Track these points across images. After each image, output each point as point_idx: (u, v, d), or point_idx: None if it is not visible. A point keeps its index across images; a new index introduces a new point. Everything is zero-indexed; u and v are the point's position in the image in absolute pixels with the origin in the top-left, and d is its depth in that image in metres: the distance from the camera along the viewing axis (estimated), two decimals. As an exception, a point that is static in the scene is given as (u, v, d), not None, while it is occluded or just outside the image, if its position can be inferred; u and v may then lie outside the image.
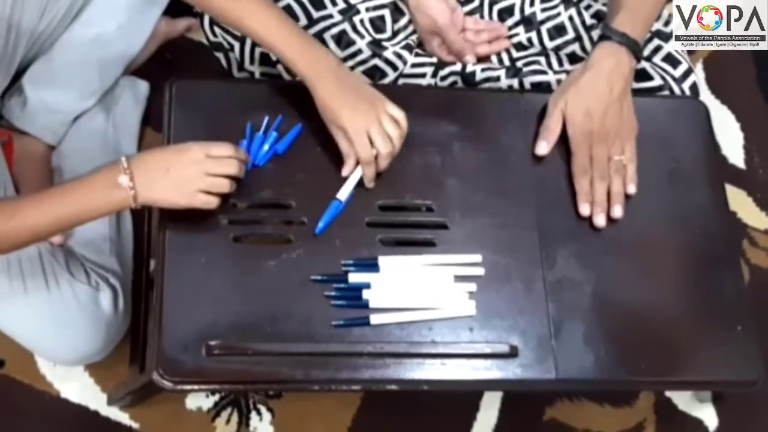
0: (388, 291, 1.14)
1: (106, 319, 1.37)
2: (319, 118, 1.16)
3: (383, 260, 1.15)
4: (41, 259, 1.33)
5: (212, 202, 1.11)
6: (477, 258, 1.18)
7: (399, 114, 1.17)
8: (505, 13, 1.44)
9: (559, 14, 1.42)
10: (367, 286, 1.13)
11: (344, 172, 1.18)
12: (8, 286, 1.30)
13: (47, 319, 1.32)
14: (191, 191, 1.09)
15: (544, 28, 1.42)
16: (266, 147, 1.19)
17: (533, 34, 1.42)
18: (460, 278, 1.16)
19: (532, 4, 1.43)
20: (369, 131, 1.15)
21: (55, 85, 1.47)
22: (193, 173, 1.09)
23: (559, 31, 1.42)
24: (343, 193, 1.17)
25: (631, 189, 1.25)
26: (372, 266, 1.15)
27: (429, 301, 1.14)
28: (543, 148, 1.26)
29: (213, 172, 1.10)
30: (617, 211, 1.24)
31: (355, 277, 1.14)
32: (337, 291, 1.13)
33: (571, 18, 1.42)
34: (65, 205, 1.09)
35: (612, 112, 1.23)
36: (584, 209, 1.23)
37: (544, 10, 1.43)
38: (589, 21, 1.42)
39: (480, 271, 1.17)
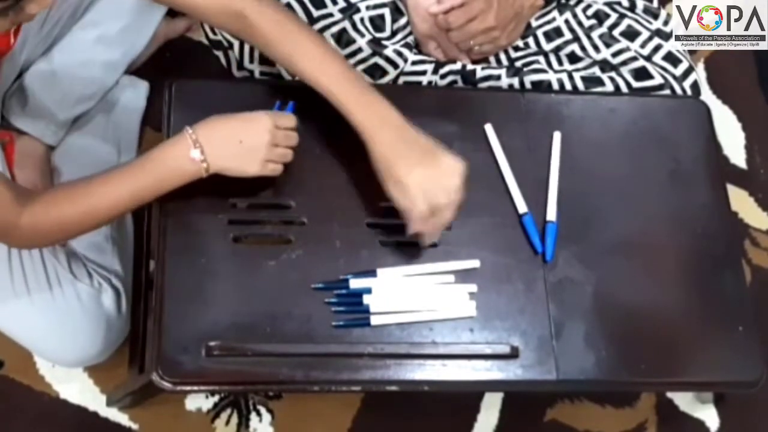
0: (388, 295, 1.13)
1: (109, 320, 1.36)
2: (319, 118, 1.15)
3: (382, 272, 1.15)
4: (43, 260, 1.32)
5: (278, 170, 1.13)
6: (475, 263, 1.17)
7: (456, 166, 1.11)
8: None
9: (554, 19, 1.42)
10: (368, 291, 1.13)
11: (409, 231, 1.12)
12: (10, 287, 1.30)
13: (49, 320, 1.32)
14: (261, 160, 1.11)
15: (540, 32, 1.42)
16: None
17: (530, 40, 1.42)
18: (460, 279, 1.16)
19: None
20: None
21: (56, 85, 1.46)
22: (264, 143, 1.10)
23: (557, 32, 1.41)
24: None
25: None
26: (371, 272, 1.15)
27: (429, 303, 1.14)
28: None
29: (281, 144, 1.12)
30: None
31: (355, 283, 1.13)
32: (338, 297, 1.13)
33: (567, 21, 1.42)
34: (138, 181, 1.09)
35: None
36: None
37: (537, 17, 1.42)
38: (587, 22, 1.41)
39: (476, 264, 1.16)
